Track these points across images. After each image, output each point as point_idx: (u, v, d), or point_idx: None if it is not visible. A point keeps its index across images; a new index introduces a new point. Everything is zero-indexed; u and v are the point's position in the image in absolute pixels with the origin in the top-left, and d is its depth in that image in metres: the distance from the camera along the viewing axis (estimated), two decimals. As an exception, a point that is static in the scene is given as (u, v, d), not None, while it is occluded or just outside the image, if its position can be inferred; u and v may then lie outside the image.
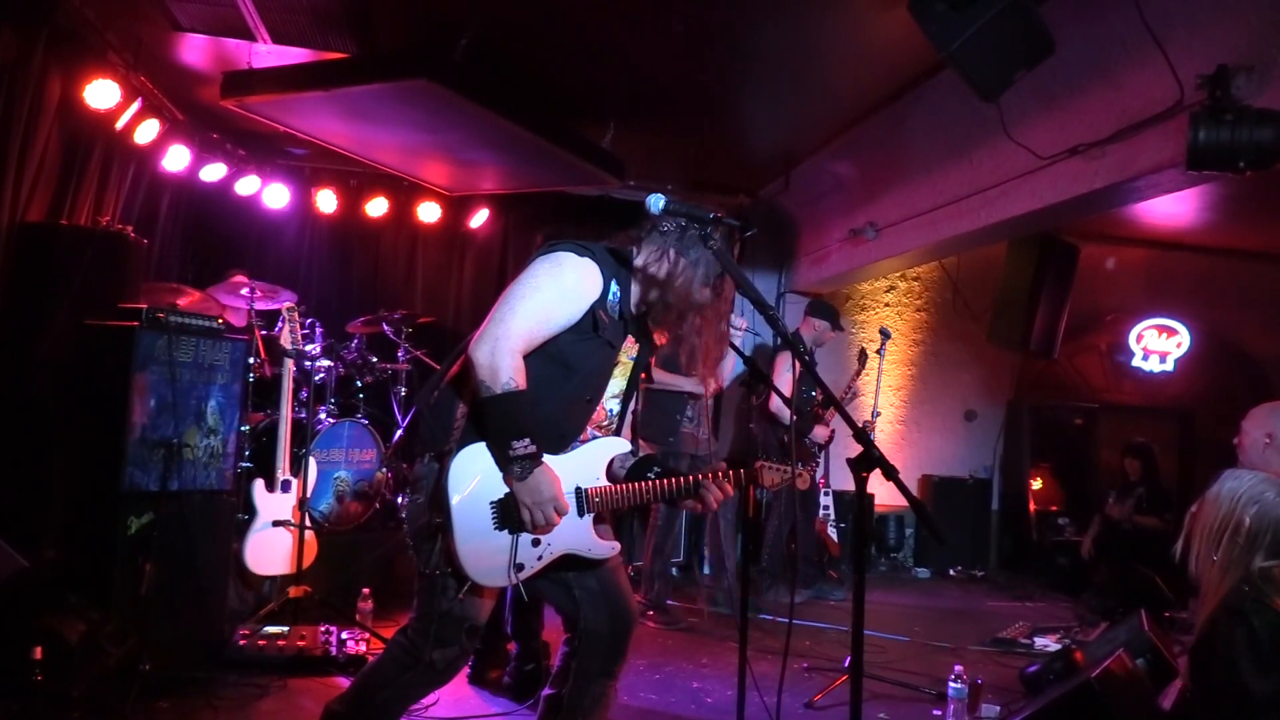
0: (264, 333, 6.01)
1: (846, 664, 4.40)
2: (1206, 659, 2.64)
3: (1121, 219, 7.66)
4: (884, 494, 8.32)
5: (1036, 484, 8.98)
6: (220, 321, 4.55)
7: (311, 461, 5.27)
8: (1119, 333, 9.38)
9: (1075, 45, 4.51)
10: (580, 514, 2.66)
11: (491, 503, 2.52)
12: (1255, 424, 3.86)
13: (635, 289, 2.71)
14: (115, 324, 4.19)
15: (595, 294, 2.59)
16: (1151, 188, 4.71)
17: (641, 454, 2.84)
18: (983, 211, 5.77)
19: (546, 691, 2.90)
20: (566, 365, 2.60)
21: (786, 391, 5.82)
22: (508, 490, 2.51)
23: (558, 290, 2.54)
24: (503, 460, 2.47)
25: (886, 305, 9.15)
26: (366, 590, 4.95)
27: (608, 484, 2.70)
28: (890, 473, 2.22)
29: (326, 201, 7.60)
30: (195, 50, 5.71)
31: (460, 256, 8.22)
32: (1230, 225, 7.99)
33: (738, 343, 5.86)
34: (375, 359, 6.44)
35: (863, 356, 7.02)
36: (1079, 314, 7.93)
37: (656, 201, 2.65)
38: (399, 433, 6.36)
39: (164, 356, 4.19)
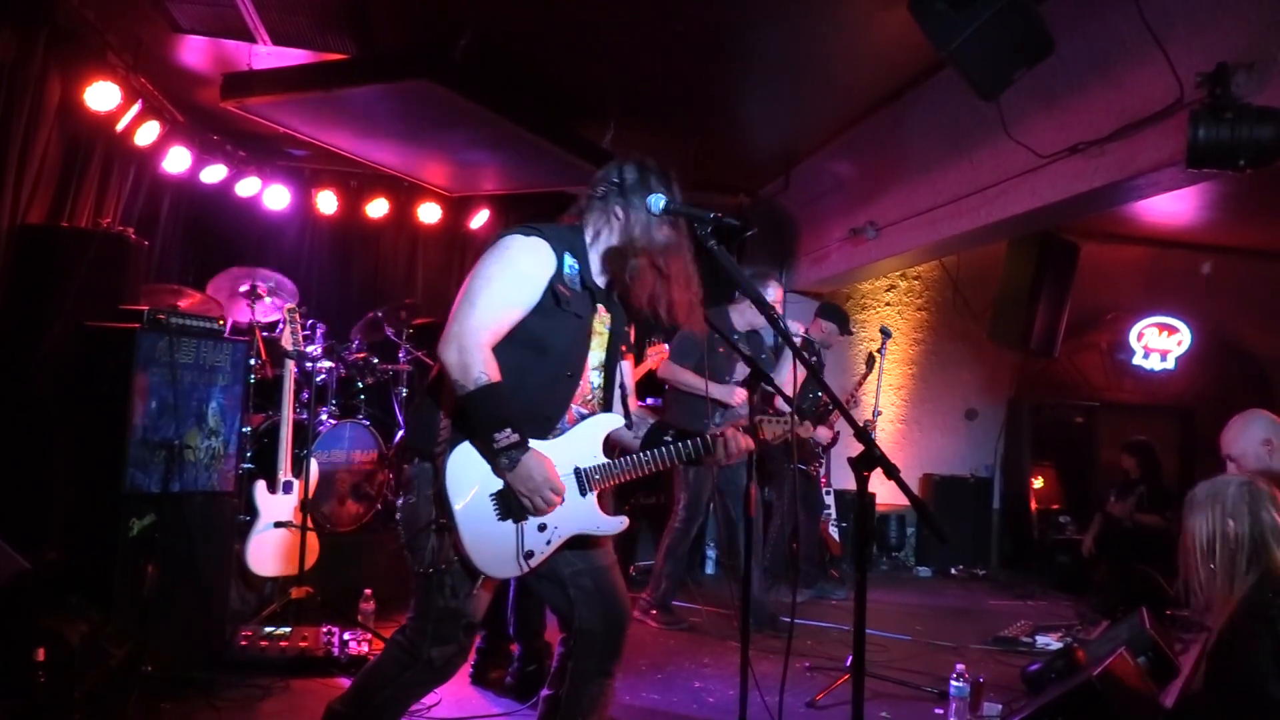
0: (265, 334, 6.01)
1: (848, 663, 4.40)
2: (1226, 664, 2.63)
3: (1122, 217, 7.66)
4: (885, 493, 8.31)
5: (1038, 482, 8.98)
6: (221, 322, 4.56)
7: (313, 462, 5.27)
8: (1119, 331, 9.39)
9: (1075, 44, 4.52)
10: (583, 493, 2.66)
11: (491, 495, 2.53)
12: (1245, 441, 3.90)
13: (595, 259, 2.72)
14: (116, 325, 4.20)
15: (550, 270, 2.59)
16: (1151, 186, 4.72)
17: (652, 421, 2.83)
18: (983, 210, 5.77)
19: (545, 692, 2.90)
20: (539, 346, 2.60)
21: (788, 390, 5.82)
22: (504, 482, 2.52)
23: (511, 275, 2.55)
24: (489, 454, 2.48)
25: (887, 304, 9.16)
26: (368, 591, 4.95)
27: (607, 460, 2.70)
28: (891, 472, 2.22)
29: (327, 202, 7.61)
30: (195, 52, 5.72)
31: (461, 257, 8.23)
32: (1231, 223, 7.99)
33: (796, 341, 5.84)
34: (376, 360, 6.44)
35: (870, 361, 6.99)
36: (1079, 312, 7.94)
37: (657, 201, 2.66)
38: (400, 433, 6.36)
39: (165, 358, 4.20)
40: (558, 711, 2.79)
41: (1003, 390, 9.40)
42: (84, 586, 3.94)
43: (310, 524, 5.08)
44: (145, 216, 6.46)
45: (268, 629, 4.44)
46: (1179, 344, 9.28)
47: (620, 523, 2.74)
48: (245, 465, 4.92)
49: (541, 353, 2.61)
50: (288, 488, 5.15)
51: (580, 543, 2.71)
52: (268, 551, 5.03)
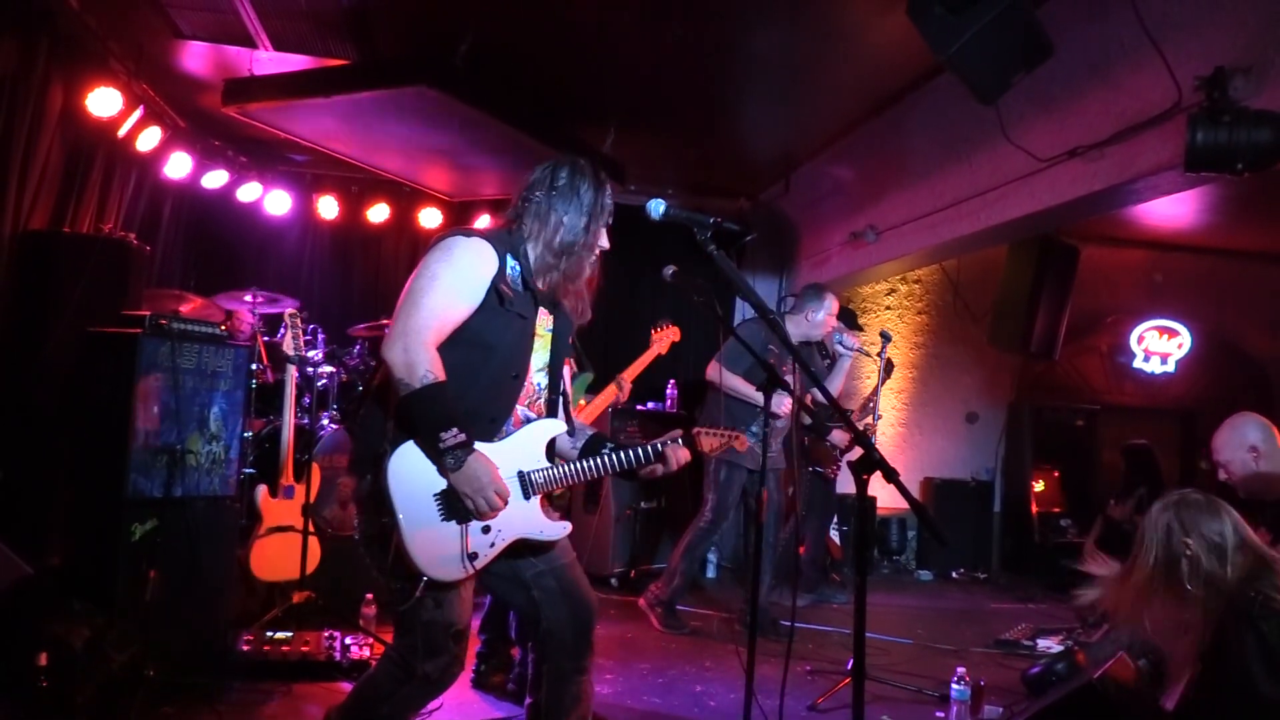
0: (266, 339, 6.02)
1: (849, 666, 4.40)
2: (1217, 666, 2.63)
3: (1121, 220, 7.67)
4: (886, 497, 8.33)
5: (1038, 486, 8.97)
6: (223, 328, 4.57)
7: (315, 467, 5.28)
8: (1120, 334, 9.39)
9: (1073, 48, 4.52)
10: (526, 497, 2.66)
11: (435, 496, 2.52)
12: (1232, 447, 3.90)
13: (534, 261, 2.73)
14: (118, 331, 4.20)
15: (492, 269, 2.60)
16: (1150, 189, 4.72)
17: (592, 432, 2.87)
18: (982, 214, 5.78)
19: (528, 701, 2.91)
20: (484, 345, 2.61)
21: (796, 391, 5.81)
22: (447, 482, 2.51)
23: (454, 274, 2.55)
24: (434, 453, 2.47)
25: (887, 308, 9.16)
26: (370, 595, 4.96)
27: (550, 465, 2.71)
28: (890, 475, 2.22)
29: (328, 208, 7.62)
30: (197, 58, 5.74)
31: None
32: (1230, 226, 7.99)
33: (845, 362, 5.82)
34: (377, 364, 6.44)
35: (889, 366, 6.97)
36: (1079, 315, 7.94)
37: (656, 207, 2.66)
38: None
39: (167, 363, 4.20)
40: (540, 717, 2.80)
41: (1003, 393, 9.40)
42: (86, 591, 3.95)
43: (312, 528, 5.09)
44: (147, 222, 6.48)
45: (269, 633, 4.44)
46: (1179, 347, 9.28)
47: (564, 528, 2.76)
48: (247, 470, 4.93)
49: (486, 353, 2.62)
50: (289, 492, 5.16)
51: (540, 548, 2.72)
52: (269, 556, 5.04)
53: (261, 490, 5.11)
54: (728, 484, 5.68)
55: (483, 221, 7.85)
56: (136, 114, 5.57)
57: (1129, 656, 3.57)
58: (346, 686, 4.09)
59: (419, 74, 4.99)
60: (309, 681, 4.23)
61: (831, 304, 5.70)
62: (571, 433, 2.84)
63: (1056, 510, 8.83)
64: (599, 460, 2.73)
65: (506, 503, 2.56)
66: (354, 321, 6.77)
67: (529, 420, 2.77)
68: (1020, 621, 6.29)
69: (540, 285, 2.74)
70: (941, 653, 5.56)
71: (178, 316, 4.37)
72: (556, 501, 4.11)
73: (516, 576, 2.75)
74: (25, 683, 3.48)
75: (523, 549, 2.71)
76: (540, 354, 2.81)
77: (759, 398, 5.50)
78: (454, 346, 2.56)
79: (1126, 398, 9.44)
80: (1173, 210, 7.40)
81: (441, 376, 2.46)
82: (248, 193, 7.06)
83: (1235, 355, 9.36)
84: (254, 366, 5.72)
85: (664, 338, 5.22)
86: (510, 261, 2.66)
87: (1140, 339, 9.32)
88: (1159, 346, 9.30)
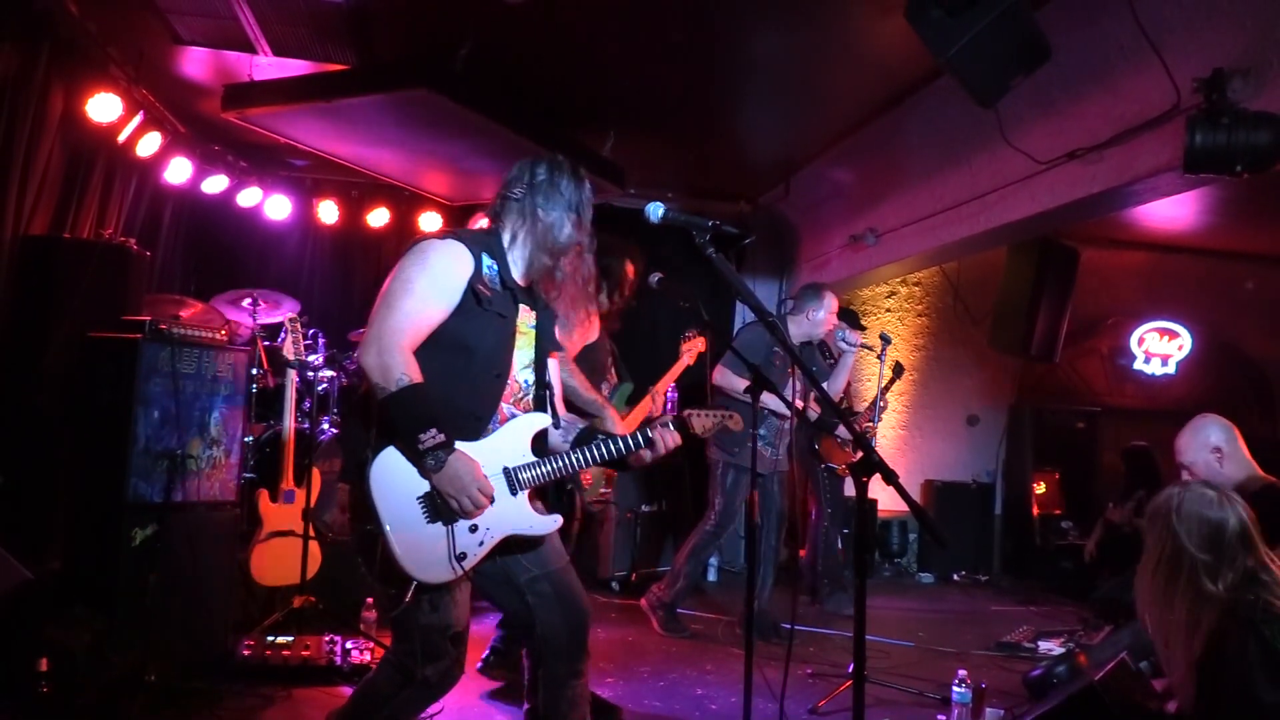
0: (267, 344, 6.03)
1: (850, 669, 4.40)
2: (1216, 671, 2.63)
3: (1121, 222, 7.67)
4: (887, 499, 8.33)
5: (1039, 488, 8.97)
6: (223, 333, 4.57)
7: (315, 471, 5.28)
8: (1120, 336, 9.39)
9: (1072, 50, 4.53)
10: (513, 493, 2.65)
11: (418, 498, 2.51)
12: (1194, 449, 3.89)
13: (513, 260, 2.73)
14: (118, 336, 4.21)
15: (468, 270, 2.58)
16: (1150, 191, 4.73)
17: (583, 425, 2.87)
18: (982, 216, 5.79)
19: (525, 706, 2.90)
20: (464, 347, 2.59)
21: (804, 392, 5.82)
22: (430, 483, 2.50)
23: (429, 277, 2.53)
24: (415, 456, 2.45)
25: (888, 311, 9.17)
26: (370, 599, 4.96)
27: (536, 459, 2.69)
28: (890, 477, 2.22)
29: (328, 212, 7.63)
30: (197, 63, 5.74)
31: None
32: (1230, 228, 7.99)
33: (849, 358, 5.83)
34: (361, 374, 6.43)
35: (898, 369, 6.98)
36: (1080, 318, 7.94)
37: (656, 210, 2.67)
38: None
39: (167, 368, 4.21)
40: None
41: (1004, 396, 9.39)
42: (87, 596, 3.96)
43: (312, 533, 5.08)
44: (147, 227, 6.49)
45: (270, 638, 4.44)
46: (1180, 349, 9.28)
47: (554, 521, 2.74)
48: (247, 475, 4.93)
49: (467, 354, 2.60)
50: (289, 497, 5.16)
51: (531, 545, 2.72)
52: (270, 560, 5.04)
53: (262, 495, 5.11)
54: (735, 488, 5.68)
55: (482, 225, 7.85)
56: (136, 119, 5.58)
57: (1131, 659, 3.57)
58: (347, 691, 4.09)
59: (419, 78, 5.00)
60: (309, 686, 4.23)
61: (831, 302, 5.71)
62: (558, 425, 2.83)
63: (1057, 512, 8.82)
64: (586, 451, 2.72)
65: (492, 500, 2.54)
66: (354, 326, 6.77)
67: (514, 417, 2.75)
68: (1021, 624, 6.28)
69: (521, 282, 2.73)
70: (943, 655, 5.56)
71: (178, 321, 4.38)
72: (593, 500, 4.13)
73: (510, 580, 2.74)
74: (26, 687, 3.49)
75: (515, 550, 2.70)
76: (524, 351, 2.79)
77: (767, 401, 5.55)
78: (434, 350, 2.54)
79: (1127, 400, 9.44)
80: (1172, 212, 7.40)
81: (418, 378, 2.43)
82: (248, 198, 7.06)
83: (1235, 357, 9.36)
84: (254, 371, 5.73)
85: (692, 348, 5.23)
86: (487, 261, 2.65)
87: (1140, 341, 9.32)
88: (1159, 348, 9.30)
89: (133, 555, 4.03)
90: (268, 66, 5.58)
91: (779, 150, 7.24)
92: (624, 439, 2.75)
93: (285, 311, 6.03)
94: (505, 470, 2.64)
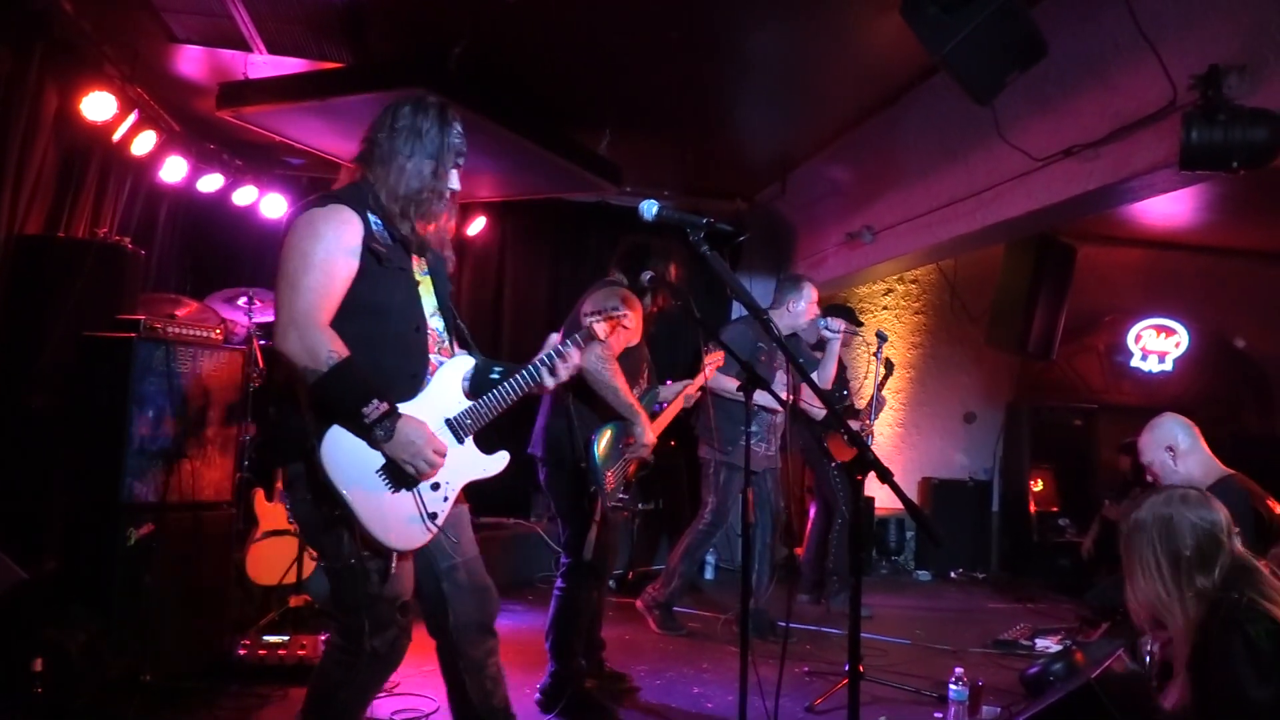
0: (263, 342, 6.01)
1: (847, 668, 4.40)
2: (1206, 672, 2.63)
3: (1118, 219, 7.68)
4: (884, 497, 8.33)
5: (1037, 485, 8.98)
6: (219, 332, 4.56)
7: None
8: (1117, 333, 9.39)
9: (1068, 47, 4.53)
10: (460, 441, 2.67)
11: (377, 471, 2.48)
12: (1151, 447, 3.95)
13: (390, 208, 2.65)
14: (113, 335, 4.20)
15: (359, 232, 2.52)
16: (1146, 188, 4.73)
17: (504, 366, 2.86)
18: (978, 214, 5.79)
19: (448, 698, 2.87)
20: (377, 310, 2.56)
21: (808, 390, 5.81)
22: (384, 454, 2.48)
23: (324, 248, 2.46)
24: (362, 430, 2.41)
25: (884, 308, 9.17)
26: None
27: (472, 403, 2.70)
28: (885, 475, 2.22)
29: (324, 211, 7.60)
30: (191, 61, 5.73)
31: (458, 265, 8.11)
32: (1227, 225, 8.00)
33: (836, 344, 5.84)
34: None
35: (889, 366, 7.00)
36: (1077, 315, 7.94)
37: (650, 208, 2.66)
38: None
39: (162, 367, 4.20)
40: (472, 707, 2.77)
41: (1001, 393, 9.40)
42: (82, 596, 3.95)
43: (309, 532, 5.08)
44: (142, 226, 6.47)
45: (266, 637, 4.43)
46: (1177, 346, 9.28)
47: (503, 458, 2.77)
48: (243, 474, 4.92)
49: (382, 316, 2.57)
50: (285, 496, 5.15)
51: (454, 531, 2.72)
52: (266, 560, 5.03)
53: (258, 494, 5.11)
54: (728, 486, 5.68)
55: (478, 225, 7.86)
56: (131, 118, 5.56)
57: (1128, 656, 3.57)
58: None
59: (414, 76, 4.99)
60: (306, 685, 4.22)
61: (810, 292, 5.71)
62: (480, 362, 2.82)
63: (1054, 510, 8.82)
64: (517, 380, 2.74)
65: (445, 456, 2.54)
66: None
67: (441, 365, 2.74)
68: (1018, 621, 6.29)
69: (404, 230, 2.68)
70: (939, 653, 5.56)
71: (173, 320, 4.37)
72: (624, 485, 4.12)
73: (430, 566, 2.73)
74: (21, 689, 3.47)
75: (446, 535, 2.70)
76: (428, 298, 2.76)
77: (758, 397, 5.54)
78: (348, 318, 2.49)
79: (1124, 397, 9.43)
80: (1169, 209, 7.41)
81: (345, 353, 2.39)
82: (243, 196, 7.04)
83: (1233, 353, 9.36)
84: (250, 370, 5.72)
85: (713, 361, 5.23)
86: (373, 218, 2.59)
87: (1138, 338, 9.32)
88: (1156, 345, 9.30)
89: (128, 555, 4.02)
90: (263, 65, 5.58)
91: (775, 148, 7.24)
92: (535, 364, 2.78)
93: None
94: (447, 421, 2.65)
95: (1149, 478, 4.01)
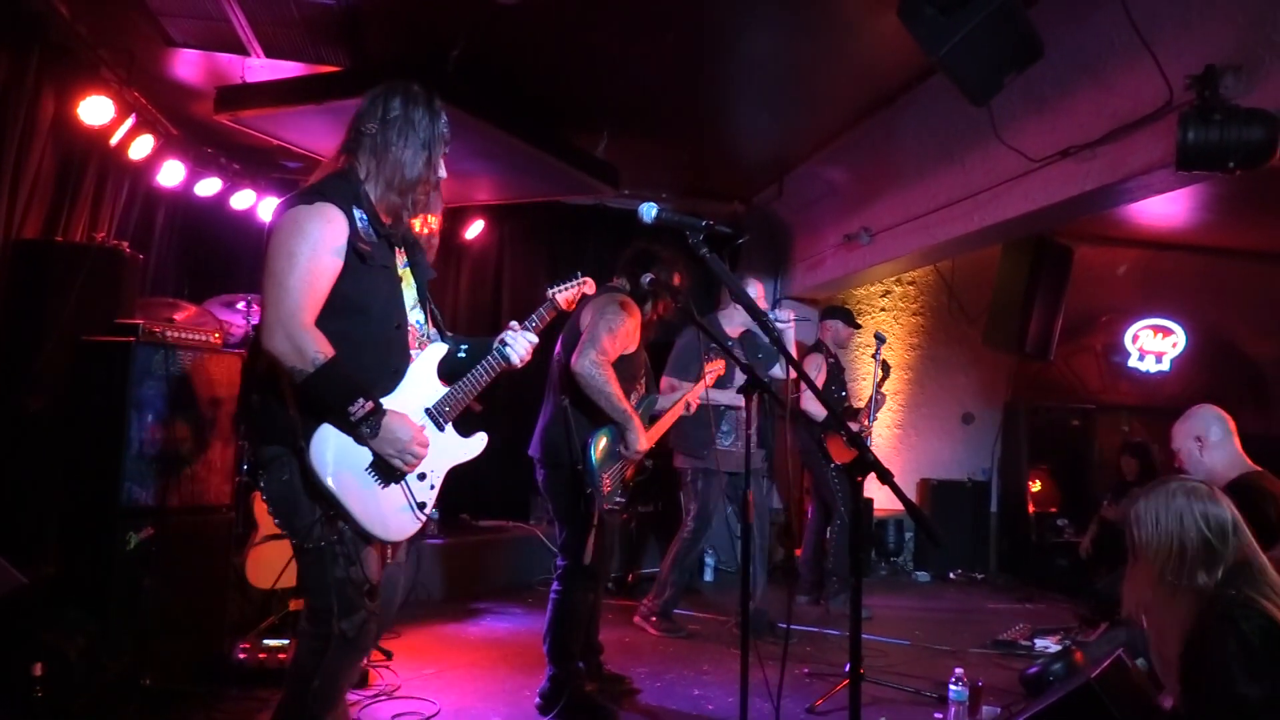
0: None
1: (847, 669, 4.40)
2: (1197, 667, 2.63)
3: (1115, 220, 7.69)
4: (883, 498, 8.33)
5: (1035, 486, 8.98)
6: (217, 336, 4.56)
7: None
8: (1114, 333, 9.40)
9: (1064, 48, 4.54)
10: (441, 429, 2.75)
11: (366, 468, 2.54)
12: (1182, 435, 4.02)
13: (375, 198, 2.68)
14: (111, 340, 4.20)
15: (345, 230, 2.55)
16: (1143, 188, 4.73)
17: (471, 340, 2.92)
18: (975, 215, 5.79)
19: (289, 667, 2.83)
20: (360, 308, 2.59)
21: (809, 392, 5.82)
22: (371, 450, 2.53)
23: (309, 247, 2.48)
24: (349, 427, 2.47)
25: (882, 310, 9.18)
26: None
27: (448, 390, 2.77)
28: (885, 476, 2.23)
29: (322, 214, 7.60)
30: (189, 65, 5.73)
31: (456, 267, 8.23)
32: (1224, 225, 8.01)
33: (790, 334, 5.86)
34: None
35: (885, 367, 7.02)
36: (1074, 315, 7.95)
37: (649, 211, 2.67)
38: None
39: (161, 371, 4.20)
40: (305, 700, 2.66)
41: (999, 394, 9.41)
42: (81, 600, 3.95)
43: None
44: (140, 230, 6.46)
45: (266, 641, 4.42)
46: (1174, 346, 9.30)
47: (481, 439, 2.86)
48: (242, 478, 4.91)
49: (364, 315, 2.60)
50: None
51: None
52: (265, 564, 5.01)
53: (256, 497, 5.09)
54: (706, 491, 5.73)
55: (476, 228, 7.86)
56: (129, 122, 5.56)
57: (1127, 656, 3.57)
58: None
59: (411, 79, 4.98)
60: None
61: (756, 289, 5.77)
62: (452, 345, 2.86)
63: (1053, 510, 8.83)
64: (480, 369, 2.78)
65: (428, 447, 2.61)
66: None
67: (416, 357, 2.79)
68: (1018, 622, 6.29)
69: (388, 223, 2.71)
70: (939, 654, 5.56)
71: (171, 324, 4.37)
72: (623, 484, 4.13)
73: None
74: (21, 693, 3.47)
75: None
76: (408, 292, 2.80)
77: (717, 396, 5.58)
78: (331, 316, 2.52)
79: (1122, 397, 9.44)
80: (1165, 209, 7.42)
81: (331, 352, 2.44)
82: (241, 200, 7.04)
83: (1230, 353, 9.38)
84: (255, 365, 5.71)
85: (714, 369, 5.23)
86: (357, 214, 2.61)
87: (1135, 338, 9.33)
88: (1154, 345, 9.32)
89: (127, 559, 4.02)
90: (260, 68, 5.57)
91: (772, 150, 7.25)
92: (499, 347, 2.82)
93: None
94: (427, 411, 2.73)
95: (1176, 464, 4.06)
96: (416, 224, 2.84)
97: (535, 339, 2.91)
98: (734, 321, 5.81)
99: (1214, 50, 3.88)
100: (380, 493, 2.57)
